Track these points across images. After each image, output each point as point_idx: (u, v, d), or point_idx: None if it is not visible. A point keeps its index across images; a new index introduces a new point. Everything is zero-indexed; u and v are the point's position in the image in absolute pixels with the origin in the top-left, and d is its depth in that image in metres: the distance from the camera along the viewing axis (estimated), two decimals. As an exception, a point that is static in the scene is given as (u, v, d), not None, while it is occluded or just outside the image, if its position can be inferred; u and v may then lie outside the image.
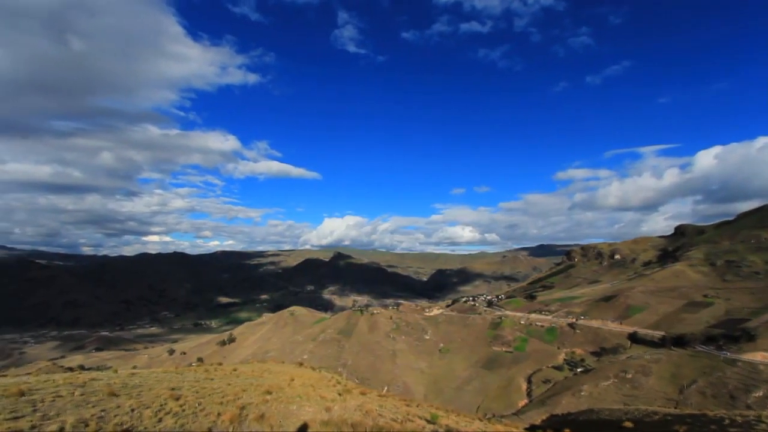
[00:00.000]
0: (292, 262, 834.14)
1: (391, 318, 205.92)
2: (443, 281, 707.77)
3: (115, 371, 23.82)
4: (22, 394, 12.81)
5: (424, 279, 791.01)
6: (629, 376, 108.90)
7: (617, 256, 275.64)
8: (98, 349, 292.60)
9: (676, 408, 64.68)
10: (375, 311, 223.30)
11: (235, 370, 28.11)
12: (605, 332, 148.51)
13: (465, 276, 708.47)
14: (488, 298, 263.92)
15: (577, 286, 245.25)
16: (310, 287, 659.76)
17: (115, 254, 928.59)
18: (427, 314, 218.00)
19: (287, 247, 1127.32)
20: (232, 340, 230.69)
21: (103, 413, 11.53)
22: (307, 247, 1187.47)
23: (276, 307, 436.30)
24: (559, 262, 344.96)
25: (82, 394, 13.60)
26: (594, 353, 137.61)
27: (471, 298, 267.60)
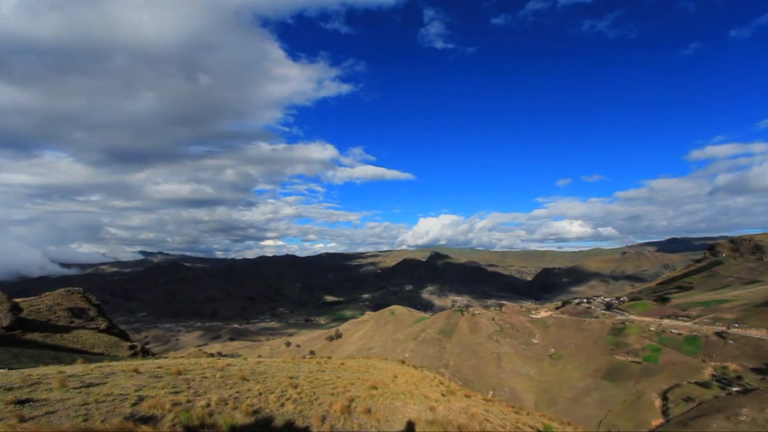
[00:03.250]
0: (390, 262, 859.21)
1: (493, 319, 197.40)
2: (551, 281, 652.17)
3: (245, 359, 27.32)
4: (179, 373, 15.56)
5: (529, 279, 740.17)
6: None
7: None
8: (231, 339, 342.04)
9: None
10: (476, 312, 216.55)
11: (342, 364, 29.87)
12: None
13: (577, 275, 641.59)
14: (606, 300, 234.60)
15: (726, 287, 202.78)
16: (408, 287, 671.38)
17: (240, 257, 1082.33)
18: (533, 316, 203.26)
19: (385, 248, 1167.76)
20: (338, 335, 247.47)
21: (237, 394, 13.32)
22: (404, 247, 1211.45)
23: (376, 305, 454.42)
24: (698, 259, 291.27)
25: (221, 377, 15.92)
26: (756, 370, 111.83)
27: (585, 300, 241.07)
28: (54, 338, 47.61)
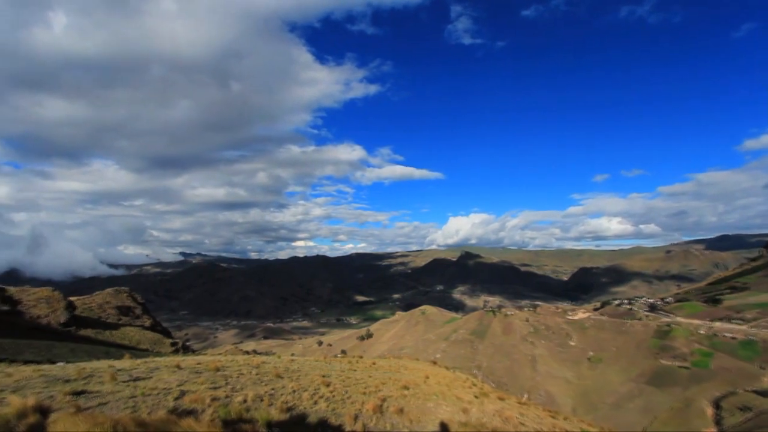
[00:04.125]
0: (420, 262, 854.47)
1: (527, 320, 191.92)
2: (589, 281, 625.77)
3: (279, 357, 28.04)
4: (218, 369, 16.18)
5: (564, 278, 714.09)
6: None
7: None
8: (265, 338, 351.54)
9: None
10: (509, 312, 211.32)
11: (374, 363, 30.00)
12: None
13: (617, 275, 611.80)
14: (650, 301, 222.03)
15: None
16: (439, 287, 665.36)
17: (273, 258, 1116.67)
18: (570, 318, 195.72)
19: (414, 248, 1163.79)
20: (369, 335, 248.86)
21: (273, 391, 13.69)
22: (433, 247, 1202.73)
23: (407, 305, 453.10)
24: (754, 257, 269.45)
25: (257, 374, 16.41)
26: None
27: (626, 301, 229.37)
28: (104, 334, 50.89)
